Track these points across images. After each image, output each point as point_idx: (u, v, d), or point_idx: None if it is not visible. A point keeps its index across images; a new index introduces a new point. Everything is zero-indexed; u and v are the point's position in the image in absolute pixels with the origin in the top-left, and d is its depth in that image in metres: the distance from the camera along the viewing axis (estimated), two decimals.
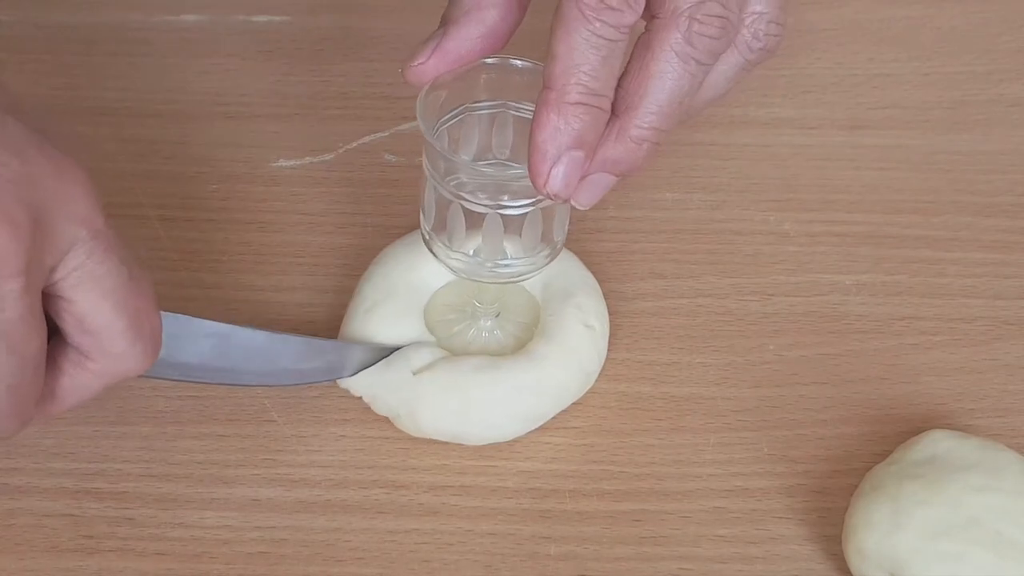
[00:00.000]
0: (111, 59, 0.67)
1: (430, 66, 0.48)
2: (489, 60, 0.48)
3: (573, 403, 0.54)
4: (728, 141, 0.65)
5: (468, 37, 0.48)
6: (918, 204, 0.63)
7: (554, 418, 0.54)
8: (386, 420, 0.54)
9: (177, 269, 0.59)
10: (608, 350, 0.56)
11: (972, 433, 0.52)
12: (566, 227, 0.52)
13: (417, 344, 0.54)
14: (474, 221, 0.50)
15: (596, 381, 0.55)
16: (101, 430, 0.53)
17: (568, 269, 0.56)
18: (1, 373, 0.40)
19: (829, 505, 0.52)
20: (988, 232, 0.62)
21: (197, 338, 0.49)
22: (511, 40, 0.49)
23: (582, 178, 0.46)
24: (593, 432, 0.54)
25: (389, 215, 0.61)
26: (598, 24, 0.44)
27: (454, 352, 0.54)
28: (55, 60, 0.67)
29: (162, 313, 0.44)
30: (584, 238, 0.60)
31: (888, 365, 0.57)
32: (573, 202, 0.47)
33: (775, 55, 0.49)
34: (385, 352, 0.53)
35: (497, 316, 0.55)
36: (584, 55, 0.44)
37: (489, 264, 0.51)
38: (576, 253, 0.57)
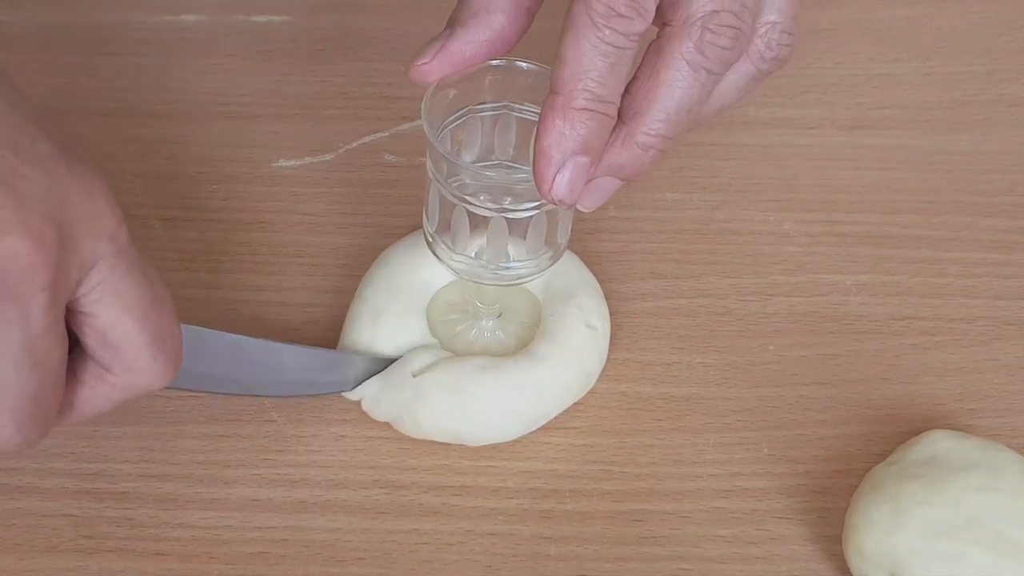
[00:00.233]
0: (111, 59, 0.67)
1: (434, 66, 0.48)
2: (495, 62, 0.48)
3: (573, 403, 0.54)
4: (728, 141, 0.65)
5: (473, 40, 0.47)
6: (918, 204, 0.63)
7: (554, 418, 0.54)
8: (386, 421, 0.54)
9: (177, 269, 0.59)
10: (608, 350, 0.56)
11: (972, 433, 0.52)
12: (569, 230, 0.52)
13: (417, 348, 0.54)
14: (478, 224, 0.50)
15: (596, 381, 0.55)
16: (101, 430, 0.53)
17: (569, 269, 0.56)
18: (25, 384, 0.40)
19: (829, 505, 0.52)
20: (988, 232, 0.62)
21: (211, 350, 0.50)
22: (519, 43, 0.49)
23: (587, 182, 0.46)
24: (593, 432, 0.54)
25: (389, 215, 0.61)
26: (607, 31, 0.44)
27: (457, 352, 0.54)
28: (55, 60, 0.67)
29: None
30: (584, 238, 0.60)
31: (888, 365, 0.57)
32: (578, 205, 0.47)
33: (787, 65, 0.49)
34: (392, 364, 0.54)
35: (499, 316, 0.55)
36: (592, 61, 0.44)
37: (492, 266, 0.51)
38: (576, 253, 0.57)
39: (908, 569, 0.48)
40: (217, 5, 0.70)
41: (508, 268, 0.51)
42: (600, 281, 0.57)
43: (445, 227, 0.51)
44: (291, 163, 0.63)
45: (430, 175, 0.50)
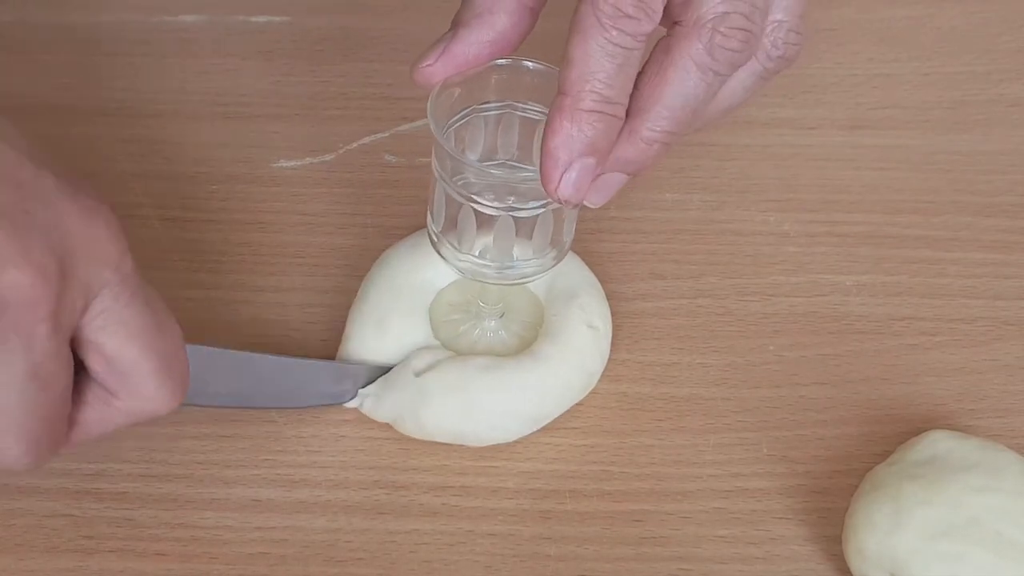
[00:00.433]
0: (111, 59, 0.67)
1: (437, 68, 0.48)
2: (500, 61, 0.48)
3: (574, 404, 0.54)
4: (728, 141, 0.65)
5: (477, 41, 0.47)
6: (918, 204, 0.63)
7: (555, 419, 0.54)
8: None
9: (177, 269, 0.59)
10: (609, 351, 0.56)
11: (972, 433, 0.52)
12: (574, 229, 0.52)
13: (419, 348, 0.54)
14: (484, 223, 0.49)
15: (597, 382, 0.55)
16: None
17: (571, 270, 0.56)
18: (31, 407, 0.41)
19: (829, 505, 0.52)
20: (988, 232, 0.62)
21: (216, 369, 0.51)
22: (524, 43, 0.49)
23: (593, 181, 0.46)
24: (593, 432, 0.54)
25: (389, 215, 0.61)
26: (615, 32, 0.43)
27: (460, 352, 0.54)
28: (55, 60, 0.67)
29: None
30: (585, 238, 0.60)
31: (888, 365, 0.57)
32: (585, 202, 0.47)
33: (793, 64, 0.49)
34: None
35: (501, 316, 0.55)
36: (600, 62, 0.44)
37: (497, 266, 0.51)
38: (577, 253, 0.57)
39: (908, 569, 0.48)
40: (217, 5, 0.70)
41: (513, 267, 0.51)
42: (601, 281, 0.57)
43: (451, 226, 0.50)
44: (291, 163, 0.63)
45: (436, 174, 0.50)
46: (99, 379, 0.43)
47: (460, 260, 0.51)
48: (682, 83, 0.45)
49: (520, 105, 0.50)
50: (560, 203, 0.46)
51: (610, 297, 0.57)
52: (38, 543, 0.50)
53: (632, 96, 0.46)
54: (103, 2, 0.70)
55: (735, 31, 0.45)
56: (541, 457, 0.54)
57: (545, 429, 0.54)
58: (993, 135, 0.66)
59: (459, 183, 0.49)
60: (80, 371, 0.43)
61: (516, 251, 0.50)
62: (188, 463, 0.53)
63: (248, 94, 0.66)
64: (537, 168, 0.45)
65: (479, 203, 0.49)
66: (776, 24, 0.47)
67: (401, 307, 0.55)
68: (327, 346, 0.55)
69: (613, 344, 0.56)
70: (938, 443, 0.50)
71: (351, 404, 0.54)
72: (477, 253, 0.51)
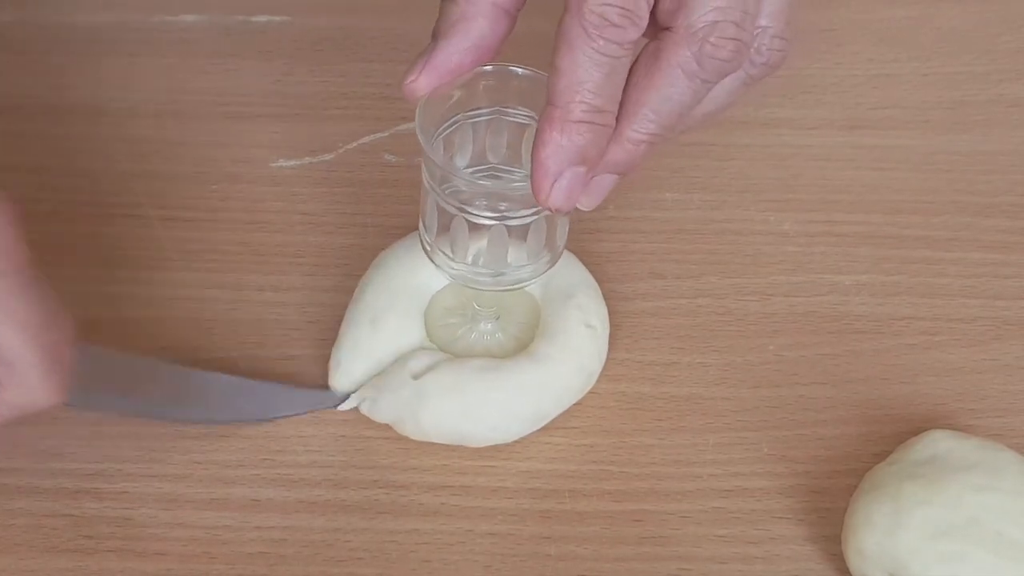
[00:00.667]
0: (111, 59, 0.67)
1: (421, 83, 0.47)
2: (487, 68, 0.48)
3: (573, 403, 0.54)
4: (728, 141, 0.65)
5: (457, 49, 0.47)
6: (918, 204, 0.63)
7: (554, 418, 0.54)
8: None
9: (177, 269, 0.59)
10: (608, 350, 0.56)
11: (972, 433, 0.52)
12: (567, 232, 0.52)
13: (416, 349, 0.54)
14: (477, 231, 0.50)
15: (596, 381, 0.55)
16: (101, 430, 0.53)
17: (568, 270, 0.56)
18: None
19: (829, 505, 0.52)
20: (988, 232, 0.62)
21: (123, 374, 0.51)
22: (509, 44, 0.49)
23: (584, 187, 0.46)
24: (593, 432, 0.54)
25: (389, 215, 0.61)
26: (601, 42, 0.43)
27: (457, 356, 0.54)
28: (55, 60, 0.67)
29: (92, 348, 0.47)
30: (584, 238, 0.60)
31: (888, 365, 0.57)
32: (578, 205, 0.47)
33: (778, 70, 0.49)
34: (323, 400, 0.54)
35: (498, 318, 0.55)
36: (587, 72, 0.44)
37: (491, 272, 0.51)
38: (576, 253, 0.57)
39: (908, 569, 0.48)
40: (217, 5, 0.70)
41: (507, 273, 0.51)
42: (600, 281, 0.57)
43: (444, 236, 0.50)
44: (291, 163, 0.63)
45: (426, 185, 0.50)
46: None
47: (454, 268, 0.51)
48: (669, 88, 0.45)
49: (509, 110, 0.50)
50: (551, 211, 0.46)
51: (609, 297, 0.57)
52: (38, 543, 0.50)
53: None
54: (103, 2, 0.70)
55: (726, 40, 0.45)
56: (540, 457, 0.54)
57: (545, 429, 0.54)
58: (993, 135, 0.66)
59: (448, 191, 0.49)
60: None
61: (510, 257, 0.50)
62: (188, 463, 0.53)
63: (248, 94, 0.66)
64: (527, 173, 0.46)
65: (471, 213, 0.49)
66: (760, 30, 0.47)
67: (396, 308, 0.55)
68: (326, 345, 0.55)
69: (612, 344, 0.56)
70: (938, 443, 0.50)
71: (343, 407, 0.54)
72: (471, 261, 0.51)
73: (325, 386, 0.54)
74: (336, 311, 0.57)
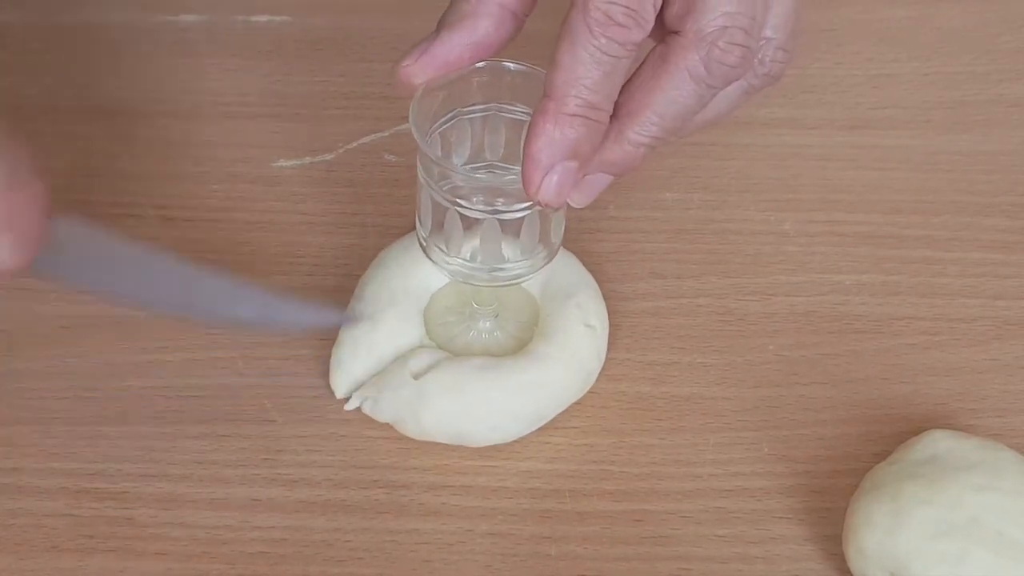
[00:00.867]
0: (111, 59, 0.67)
1: (417, 69, 0.48)
2: (480, 64, 0.48)
3: (573, 403, 0.54)
4: (728, 141, 0.65)
5: (458, 44, 0.47)
6: (918, 204, 0.63)
7: (554, 418, 0.54)
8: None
9: None
10: (608, 350, 0.56)
11: (972, 433, 0.52)
12: (563, 228, 0.52)
13: (416, 348, 0.54)
14: (471, 226, 0.50)
15: (596, 381, 0.55)
16: (101, 430, 0.53)
17: (567, 269, 0.56)
18: None
19: (829, 505, 0.52)
20: (988, 232, 0.62)
21: (102, 252, 0.49)
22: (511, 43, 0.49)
23: (576, 183, 0.46)
24: (593, 432, 0.54)
25: (389, 215, 0.61)
26: (604, 40, 0.44)
27: (456, 355, 0.54)
28: (55, 60, 0.67)
29: (72, 220, 0.47)
30: (584, 238, 0.60)
31: (888, 365, 0.57)
32: (569, 201, 0.47)
33: (779, 82, 0.49)
34: (329, 316, 0.53)
35: (496, 317, 0.55)
36: (587, 68, 0.44)
37: (487, 268, 0.51)
38: (576, 253, 0.57)
39: (908, 569, 0.48)
40: (217, 5, 0.70)
41: (503, 269, 0.51)
42: (600, 281, 0.57)
43: (439, 231, 0.51)
44: (291, 163, 0.63)
45: (421, 180, 0.50)
46: None
47: (449, 264, 0.51)
48: (675, 92, 0.45)
49: (506, 106, 0.50)
50: (541, 206, 0.46)
51: (609, 297, 0.57)
52: (38, 543, 0.50)
53: (623, 99, 0.46)
54: (103, 2, 0.70)
55: (734, 47, 0.45)
56: (541, 457, 0.54)
57: (545, 429, 0.54)
58: (993, 135, 0.66)
59: (445, 187, 0.49)
60: None
61: (506, 252, 0.51)
62: (188, 463, 0.53)
63: (248, 94, 0.66)
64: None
65: (463, 207, 0.49)
66: (765, 41, 0.47)
67: (396, 307, 0.55)
68: (326, 345, 0.55)
69: (613, 343, 0.56)
70: (938, 443, 0.50)
71: (349, 406, 0.54)
72: (467, 256, 0.51)
73: (331, 304, 0.54)
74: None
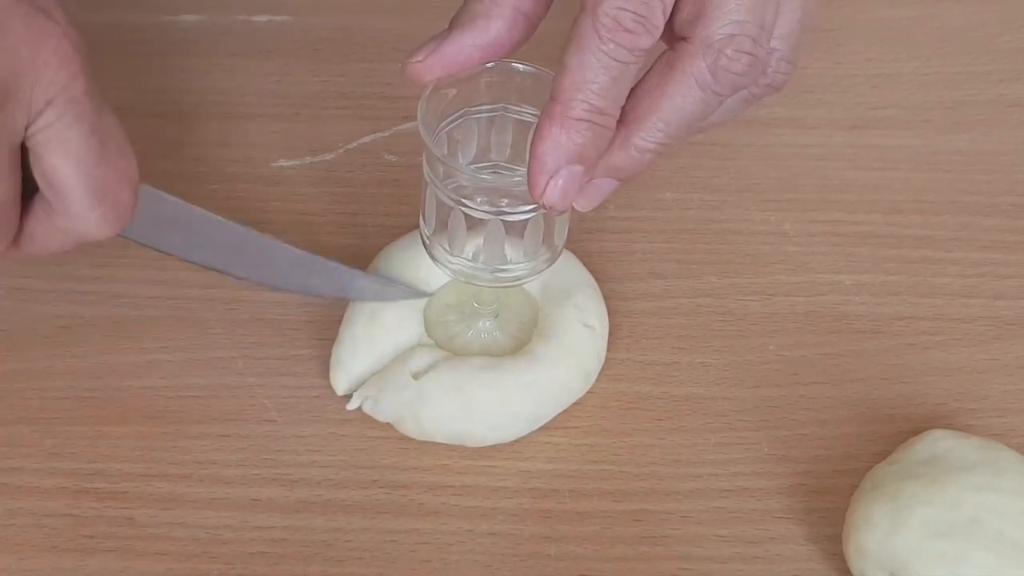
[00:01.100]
0: (111, 59, 0.67)
1: (426, 66, 0.48)
2: (491, 64, 0.48)
3: (573, 403, 0.54)
4: (728, 141, 0.65)
5: (469, 44, 0.47)
6: (918, 204, 0.63)
7: (554, 418, 0.54)
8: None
9: (177, 269, 0.59)
10: (608, 350, 0.56)
11: (972, 433, 0.52)
12: (567, 231, 0.52)
13: (416, 348, 0.54)
14: (475, 226, 0.50)
15: (596, 381, 0.55)
16: (101, 430, 0.53)
17: (567, 269, 0.56)
18: None
19: (829, 505, 0.52)
20: (988, 232, 0.62)
21: (186, 220, 0.53)
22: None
23: (582, 188, 0.46)
24: (593, 432, 0.54)
25: (389, 215, 0.61)
26: (612, 46, 0.44)
27: (455, 354, 0.54)
28: None
29: (159, 191, 0.50)
30: (584, 238, 0.60)
31: (888, 365, 0.57)
32: (574, 205, 0.47)
33: (780, 93, 0.49)
34: (397, 293, 0.55)
35: (496, 317, 0.55)
36: (595, 73, 0.44)
37: (489, 268, 0.51)
38: (576, 253, 0.57)
39: (908, 569, 0.48)
40: (217, 5, 0.70)
41: (505, 270, 0.51)
42: (600, 281, 0.57)
43: (442, 230, 0.51)
44: (291, 163, 0.63)
45: (426, 178, 0.50)
46: (44, 192, 0.45)
47: (452, 263, 0.51)
48: (682, 99, 0.45)
49: (513, 107, 0.50)
50: (546, 209, 0.46)
51: (609, 297, 0.57)
52: (38, 543, 0.50)
53: (630, 104, 0.46)
54: (103, 2, 0.70)
55: (741, 55, 0.45)
56: (541, 457, 0.54)
57: (545, 428, 0.54)
58: (993, 135, 0.66)
59: (450, 187, 0.49)
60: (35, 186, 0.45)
61: (508, 253, 0.51)
62: (188, 463, 0.53)
63: (248, 94, 0.66)
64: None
65: (469, 207, 0.49)
66: (769, 51, 0.47)
67: (396, 307, 0.55)
68: (326, 345, 0.55)
69: (613, 343, 0.56)
70: (938, 443, 0.50)
71: (350, 405, 0.54)
72: (469, 256, 0.51)
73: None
74: (336, 310, 0.57)
